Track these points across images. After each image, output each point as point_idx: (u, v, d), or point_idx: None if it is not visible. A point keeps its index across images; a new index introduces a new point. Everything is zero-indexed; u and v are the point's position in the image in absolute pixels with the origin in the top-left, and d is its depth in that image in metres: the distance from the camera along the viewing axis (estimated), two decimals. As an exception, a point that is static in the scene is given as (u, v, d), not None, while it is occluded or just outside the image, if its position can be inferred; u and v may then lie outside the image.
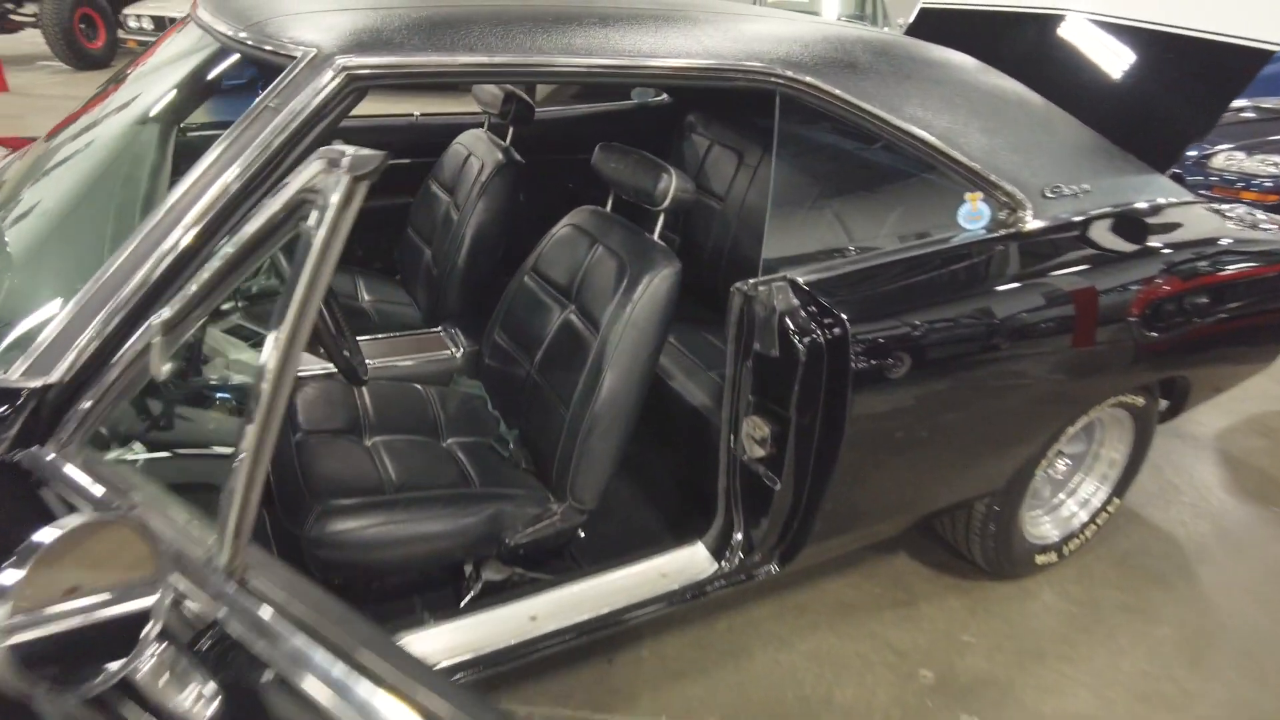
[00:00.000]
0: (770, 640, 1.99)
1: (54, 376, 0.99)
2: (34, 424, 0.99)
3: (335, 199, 0.61)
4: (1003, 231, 1.73)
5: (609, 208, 1.85)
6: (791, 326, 1.47)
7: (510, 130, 2.35)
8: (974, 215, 1.72)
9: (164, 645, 0.66)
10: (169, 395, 1.70)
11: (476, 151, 2.33)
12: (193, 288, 0.78)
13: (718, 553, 1.72)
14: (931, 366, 1.59)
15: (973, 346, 1.62)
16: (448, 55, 1.24)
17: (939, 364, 1.60)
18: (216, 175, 1.08)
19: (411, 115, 2.63)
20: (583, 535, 1.73)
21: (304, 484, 1.51)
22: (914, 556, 2.30)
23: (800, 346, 1.45)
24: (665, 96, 3.02)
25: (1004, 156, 1.73)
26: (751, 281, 1.52)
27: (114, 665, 0.63)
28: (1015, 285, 1.70)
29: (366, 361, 2.21)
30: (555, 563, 1.79)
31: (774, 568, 1.73)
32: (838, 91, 1.55)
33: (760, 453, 1.57)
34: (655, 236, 1.68)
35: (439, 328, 2.32)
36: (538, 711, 1.76)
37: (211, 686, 0.66)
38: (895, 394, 1.58)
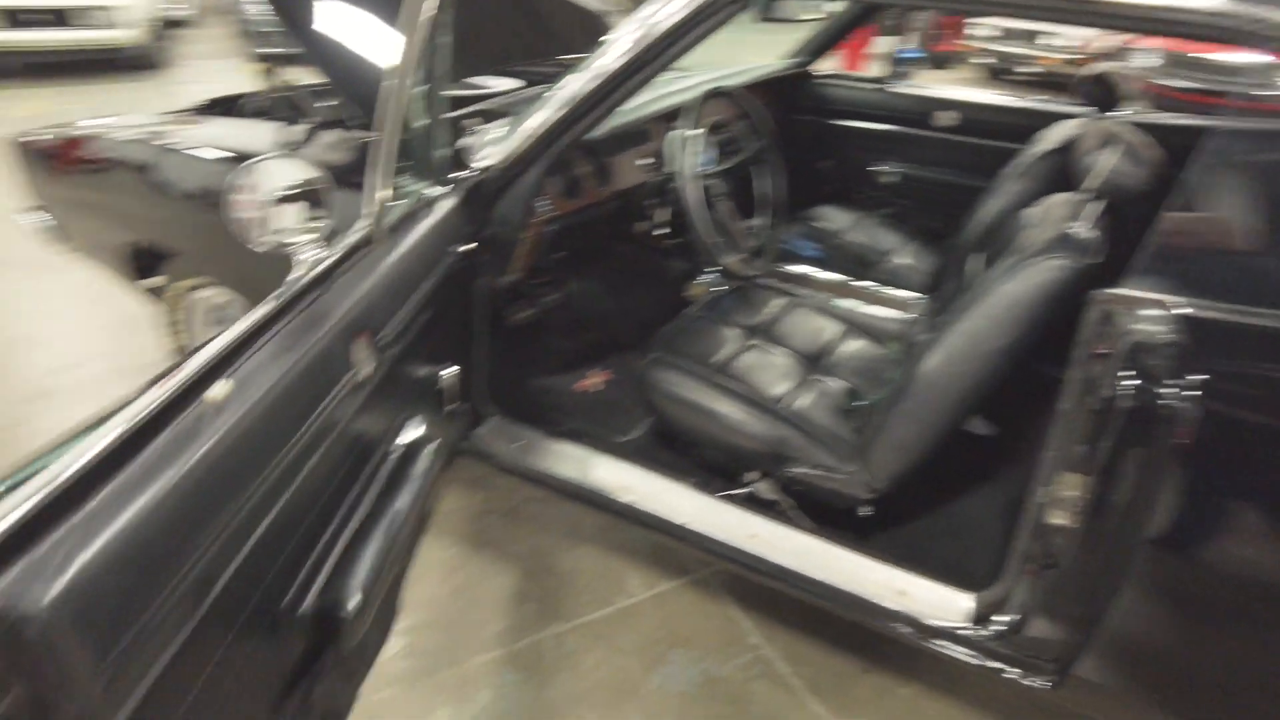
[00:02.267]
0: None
1: (491, 161, 1.54)
2: (475, 195, 1.56)
3: None
4: None
5: None
6: (1138, 364, 1.05)
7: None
8: None
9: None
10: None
11: (1047, 139, 2.10)
12: None
13: (981, 616, 1.38)
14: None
15: None
16: None
17: None
18: (621, 45, 1.44)
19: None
20: (861, 513, 1.60)
21: (670, 335, 1.83)
22: None
23: (1133, 396, 1.04)
24: None
25: None
26: (1115, 291, 1.13)
27: None
28: None
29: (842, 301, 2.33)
30: (840, 525, 1.69)
31: (1041, 681, 1.31)
32: None
33: (1061, 520, 1.20)
34: (1081, 224, 1.36)
35: (924, 296, 2.26)
36: (766, 648, 1.77)
37: None
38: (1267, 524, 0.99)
